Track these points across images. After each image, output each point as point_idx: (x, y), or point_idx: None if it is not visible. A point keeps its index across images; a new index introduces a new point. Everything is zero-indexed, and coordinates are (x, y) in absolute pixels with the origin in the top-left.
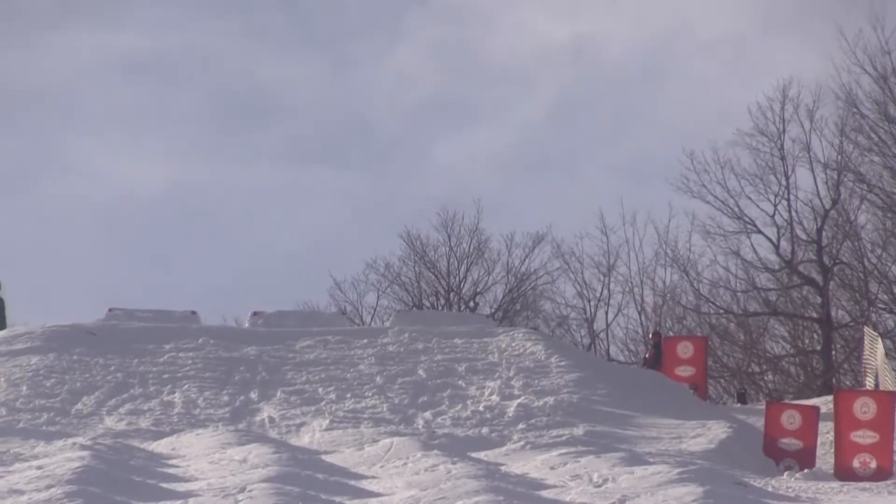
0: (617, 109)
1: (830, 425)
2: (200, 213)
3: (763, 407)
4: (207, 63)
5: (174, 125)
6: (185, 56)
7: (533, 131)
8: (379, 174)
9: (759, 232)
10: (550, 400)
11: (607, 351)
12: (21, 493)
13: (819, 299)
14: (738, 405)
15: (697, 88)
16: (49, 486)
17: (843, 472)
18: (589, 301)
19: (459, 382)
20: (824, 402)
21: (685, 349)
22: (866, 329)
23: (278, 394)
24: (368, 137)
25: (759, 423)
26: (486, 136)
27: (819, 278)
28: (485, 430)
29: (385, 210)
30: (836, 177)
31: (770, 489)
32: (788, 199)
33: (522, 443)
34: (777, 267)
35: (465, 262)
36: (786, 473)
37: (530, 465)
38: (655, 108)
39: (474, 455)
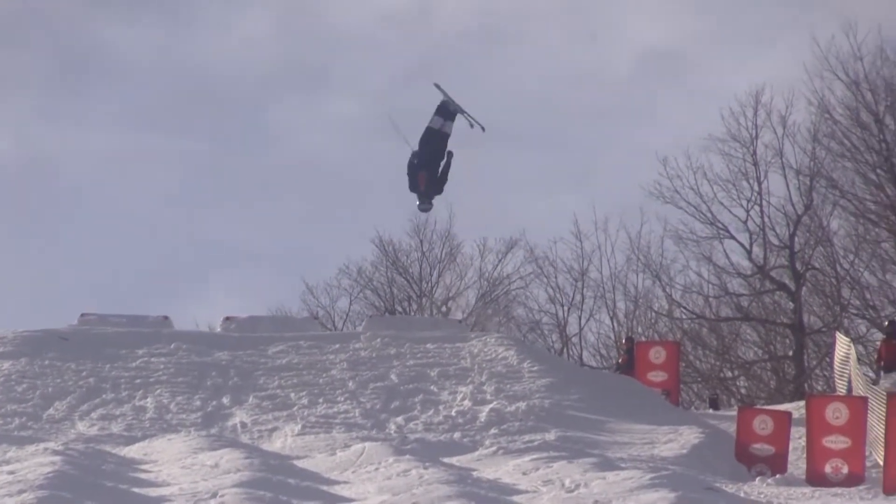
0: (464, 74)
1: (802, 430)
2: (50, 181)
3: (735, 412)
4: (44, 24)
5: (12, 88)
6: (21, 16)
7: (381, 97)
8: (223, 141)
9: (732, 237)
10: (522, 405)
11: (580, 356)
12: None
13: (791, 305)
14: (711, 410)
15: (544, 52)
16: (21, 492)
17: (815, 478)
18: (562, 306)
19: (432, 387)
20: (796, 408)
21: (657, 354)
22: (838, 334)
23: (250, 399)
24: (212, 102)
25: (731, 428)
26: (334, 102)
27: (791, 284)
28: (457, 435)
29: (228, 178)
30: (808, 182)
31: (742, 494)
32: (761, 205)
33: (494, 448)
34: (749, 272)
35: (438, 267)
36: (758, 479)
37: (502, 470)
38: (503, 72)
39: (446, 460)
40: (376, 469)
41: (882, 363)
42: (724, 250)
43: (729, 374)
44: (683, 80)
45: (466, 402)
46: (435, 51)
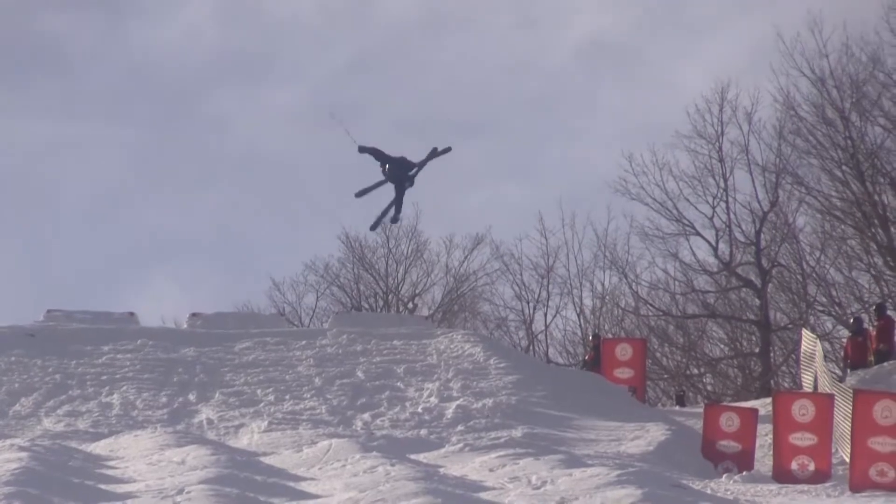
0: (403, 63)
1: (769, 427)
2: None
3: (701, 409)
4: None
5: None
6: None
7: (323, 87)
8: (164, 131)
9: (698, 234)
10: (489, 402)
11: (546, 353)
12: None
13: (757, 301)
14: (677, 407)
15: (486, 41)
16: None
17: (782, 475)
18: (527, 303)
19: (398, 384)
20: (763, 405)
21: (624, 351)
22: (804, 331)
23: (217, 395)
24: (153, 93)
25: (697, 425)
26: (276, 93)
27: (757, 281)
28: (423, 431)
29: (171, 169)
30: (774, 179)
31: (708, 491)
32: (727, 202)
33: (461, 445)
34: (715, 269)
35: (404, 263)
36: (724, 476)
37: (469, 466)
38: (442, 60)
39: (413, 457)
40: (343, 466)
41: (848, 360)
42: (691, 247)
43: (695, 370)
44: (628, 69)
45: (433, 399)
46: (377, 40)
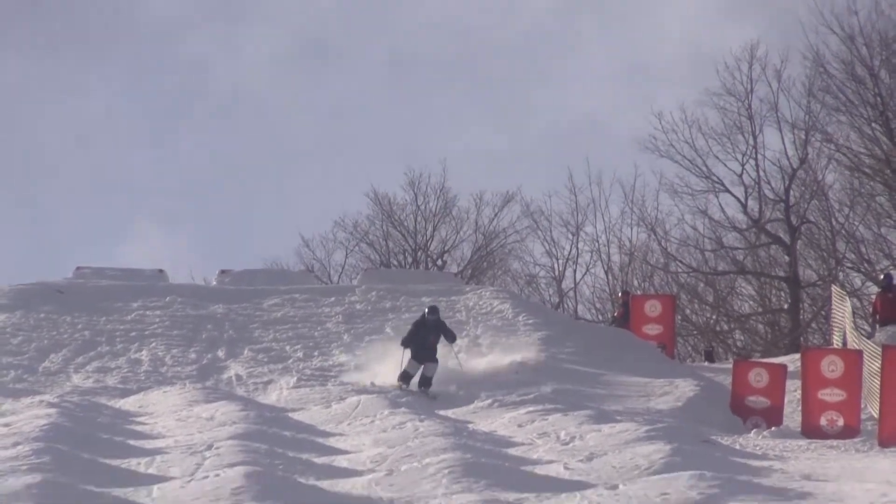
0: (385, 7)
1: (798, 383)
2: None
3: (730, 365)
4: None
5: None
6: None
7: (304, 28)
8: (139, 70)
9: (727, 191)
10: (518, 358)
11: (575, 310)
12: None
13: (786, 258)
14: (706, 363)
15: None
16: (16, 444)
17: (811, 430)
18: (557, 260)
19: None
20: (792, 361)
21: (653, 308)
22: (834, 288)
23: (245, 352)
24: (130, 32)
25: (726, 381)
26: (257, 33)
27: (786, 237)
28: (452, 388)
29: (152, 107)
30: (803, 136)
31: (737, 447)
32: (756, 159)
33: (490, 401)
34: (745, 226)
35: (433, 220)
36: (753, 431)
37: (498, 422)
38: (425, 3)
39: (442, 413)
40: (371, 421)
41: (877, 316)
42: (720, 204)
43: (724, 327)
44: (610, 10)
45: (462, 355)
46: None
